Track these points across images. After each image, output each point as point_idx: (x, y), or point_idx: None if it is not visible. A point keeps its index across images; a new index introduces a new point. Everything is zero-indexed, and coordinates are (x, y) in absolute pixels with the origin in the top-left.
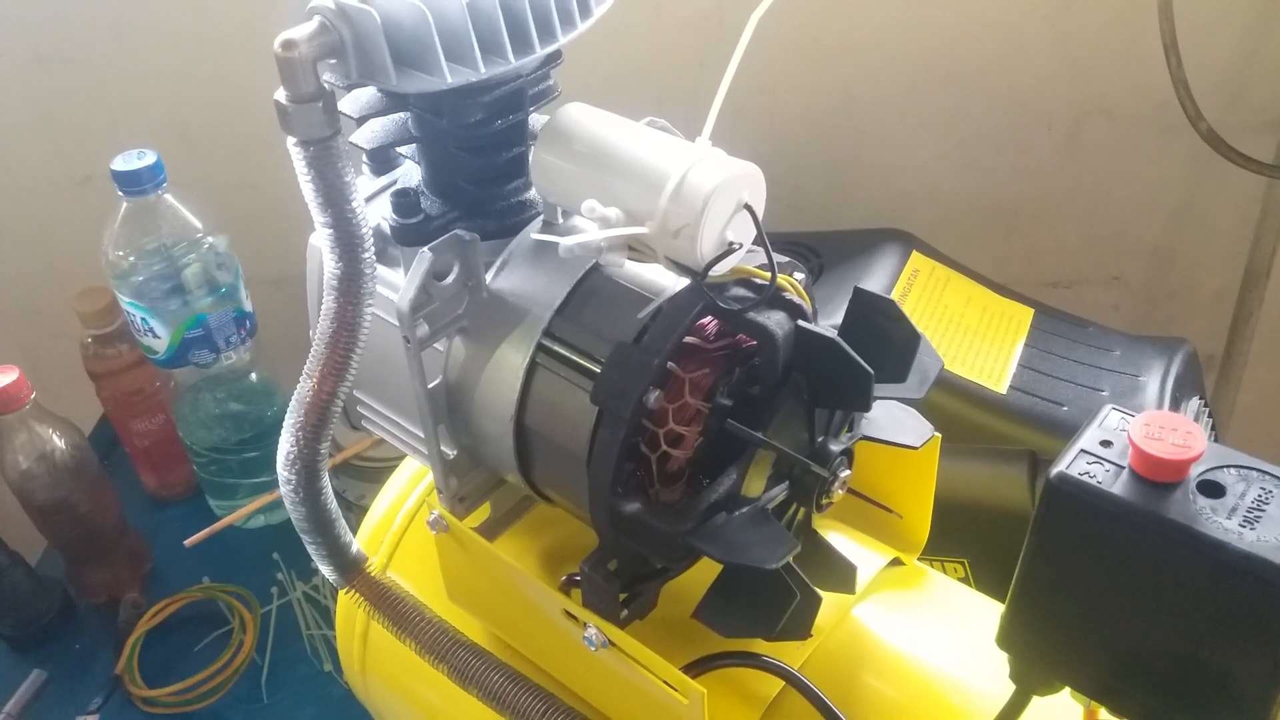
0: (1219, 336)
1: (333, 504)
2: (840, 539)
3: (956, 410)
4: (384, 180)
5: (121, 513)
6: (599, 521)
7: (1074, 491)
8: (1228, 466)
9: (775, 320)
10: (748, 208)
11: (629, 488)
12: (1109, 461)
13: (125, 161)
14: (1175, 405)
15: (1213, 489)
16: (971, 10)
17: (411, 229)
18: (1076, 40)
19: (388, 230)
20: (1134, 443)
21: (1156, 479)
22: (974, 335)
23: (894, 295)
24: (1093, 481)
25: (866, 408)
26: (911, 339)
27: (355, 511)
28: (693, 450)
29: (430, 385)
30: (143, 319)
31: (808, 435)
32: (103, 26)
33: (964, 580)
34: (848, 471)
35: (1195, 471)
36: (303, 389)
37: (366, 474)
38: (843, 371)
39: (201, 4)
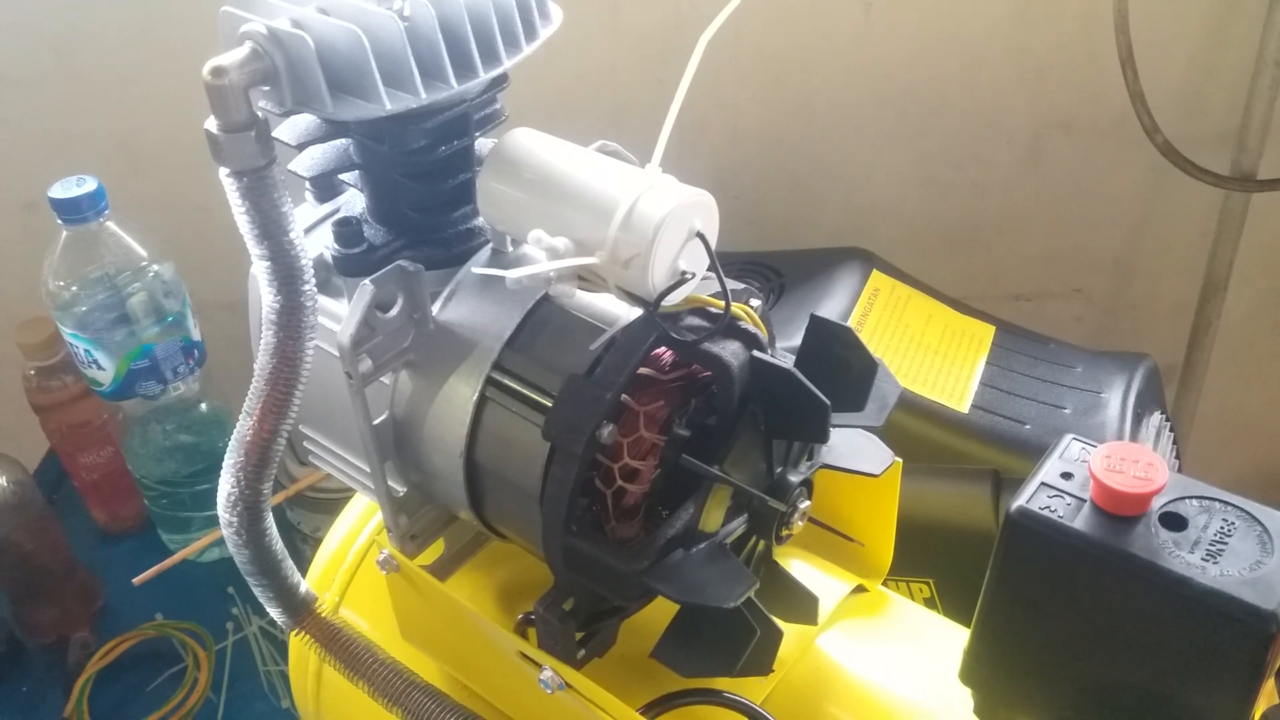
0: (1179, 347)
1: (278, 545)
2: (803, 567)
3: (919, 430)
4: (327, 208)
5: (69, 550)
6: (553, 560)
7: (1034, 526)
8: (1189, 498)
9: (730, 350)
10: (700, 236)
11: (584, 524)
12: (1070, 494)
13: (64, 189)
14: (1137, 421)
15: (1175, 521)
16: (931, 26)
17: (354, 259)
18: (1035, 55)
19: (330, 260)
20: (1094, 476)
21: (1118, 512)
22: (935, 354)
23: (855, 315)
24: (1053, 516)
25: (824, 439)
26: (868, 367)
27: (310, 544)
28: (649, 485)
29: (376, 421)
30: (86, 350)
31: (766, 466)
32: (45, 46)
33: (930, 601)
34: (807, 502)
35: (1157, 504)
36: (243, 427)
37: (322, 505)
38: (799, 402)
39: (147, 24)
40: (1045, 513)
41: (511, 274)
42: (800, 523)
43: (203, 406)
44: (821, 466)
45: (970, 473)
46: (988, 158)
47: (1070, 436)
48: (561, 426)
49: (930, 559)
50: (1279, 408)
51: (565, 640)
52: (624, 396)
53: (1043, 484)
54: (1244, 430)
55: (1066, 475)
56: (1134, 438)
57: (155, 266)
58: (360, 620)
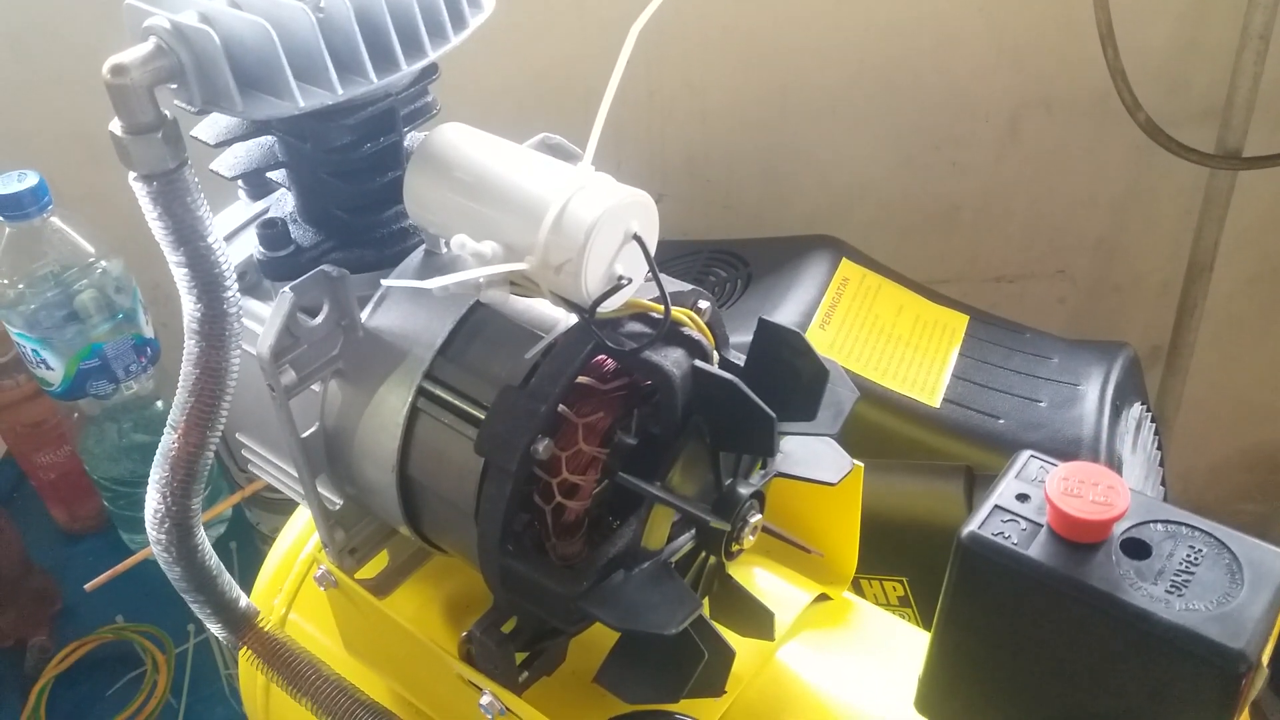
0: (1165, 329)
1: (211, 560)
2: (764, 575)
3: (889, 426)
4: (260, 205)
5: (24, 553)
6: (490, 580)
7: (987, 554)
8: (1154, 522)
9: (672, 359)
10: (637, 238)
11: (523, 542)
12: (1025, 519)
13: (4, 184)
14: (1116, 413)
15: (1138, 549)
16: (904, 1)
17: (280, 262)
18: (1013, 30)
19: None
20: (1051, 500)
21: (1076, 539)
22: (906, 346)
23: (823, 305)
24: (1007, 542)
25: (770, 453)
26: (819, 374)
27: (270, 545)
28: (590, 500)
29: (305, 434)
30: (34, 350)
31: (714, 478)
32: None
33: (904, 599)
34: (758, 516)
35: (1119, 529)
36: (167, 441)
37: (281, 506)
38: (743, 415)
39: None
40: (999, 539)
41: (433, 283)
42: (752, 536)
43: (159, 404)
44: (776, 475)
45: (942, 469)
46: (965, 137)
47: (1028, 454)
48: (494, 441)
49: (903, 557)
50: (1266, 389)
51: (504, 664)
52: (561, 407)
53: (997, 507)
54: (1231, 413)
55: (1023, 497)
56: (1113, 430)
57: (104, 263)
58: (311, 628)
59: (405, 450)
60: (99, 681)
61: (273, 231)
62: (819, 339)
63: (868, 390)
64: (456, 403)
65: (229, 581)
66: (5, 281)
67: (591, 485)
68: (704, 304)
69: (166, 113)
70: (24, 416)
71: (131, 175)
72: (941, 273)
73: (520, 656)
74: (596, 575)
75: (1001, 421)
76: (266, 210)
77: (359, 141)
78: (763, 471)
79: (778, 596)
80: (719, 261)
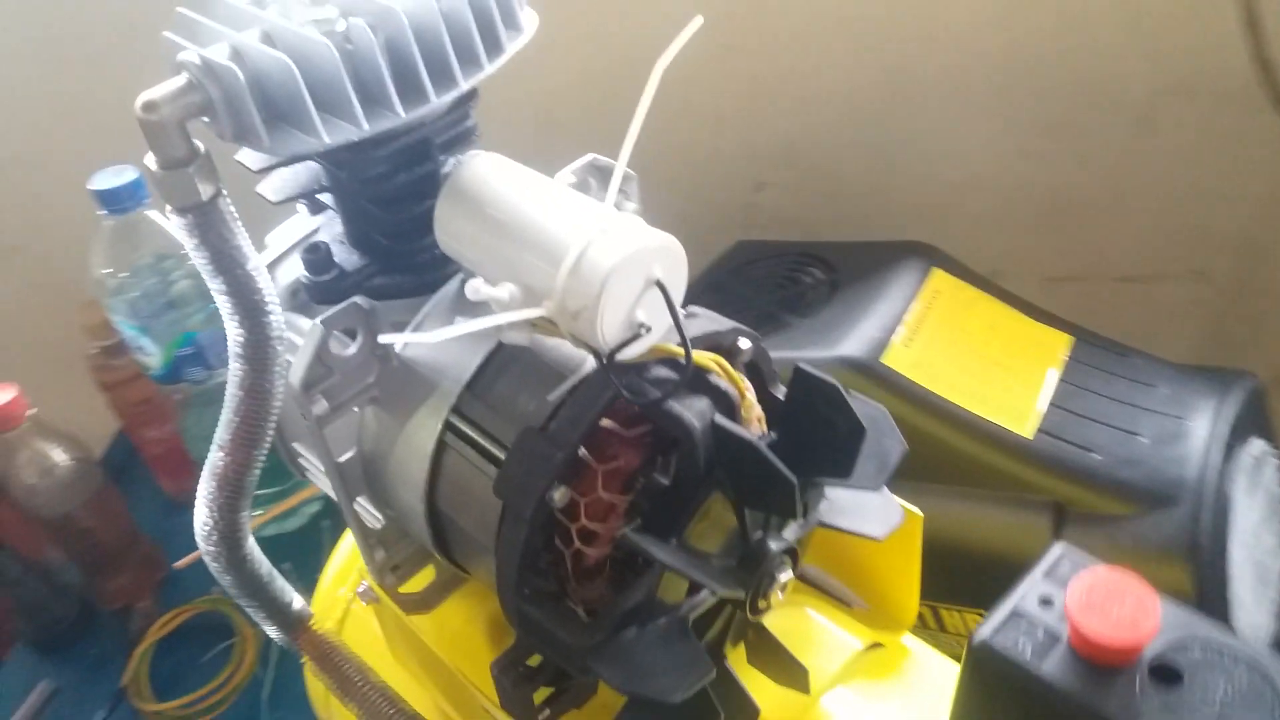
0: None
1: (262, 567)
2: (817, 616)
3: (975, 455)
4: (318, 220)
5: (132, 523)
6: (510, 620)
7: (998, 665)
8: (1192, 644)
9: (696, 410)
10: (659, 285)
11: (543, 584)
12: (1046, 628)
13: (104, 180)
14: (1229, 451)
15: (1168, 675)
16: None
17: (324, 286)
18: (1148, 11)
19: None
20: (1070, 614)
21: (1097, 661)
22: (999, 368)
23: (909, 319)
24: (1021, 655)
25: (792, 515)
26: (855, 431)
27: None
28: (609, 547)
29: (343, 458)
30: (135, 336)
31: (741, 530)
32: (121, 25)
33: None
34: (788, 574)
35: (1150, 650)
36: (214, 460)
37: None
38: (764, 476)
39: None
40: (1011, 650)
41: (445, 333)
42: (780, 594)
43: None
44: (819, 524)
45: (1031, 503)
46: (1091, 126)
47: (1061, 546)
48: (511, 485)
49: (985, 590)
50: None
51: (522, 705)
52: (582, 451)
53: (1015, 613)
54: None
55: (1046, 601)
56: (1224, 470)
57: None
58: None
59: (433, 482)
60: (195, 648)
61: (315, 256)
62: (901, 357)
63: (953, 416)
64: (480, 440)
65: (281, 587)
66: (108, 271)
67: (612, 532)
68: (745, 343)
69: (199, 145)
70: (133, 394)
71: (168, 209)
72: (1061, 269)
73: (547, 691)
74: (610, 628)
75: (1097, 456)
76: (318, 229)
77: (393, 171)
78: (801, 522)
79: (826, 643)
80: (806, 265)
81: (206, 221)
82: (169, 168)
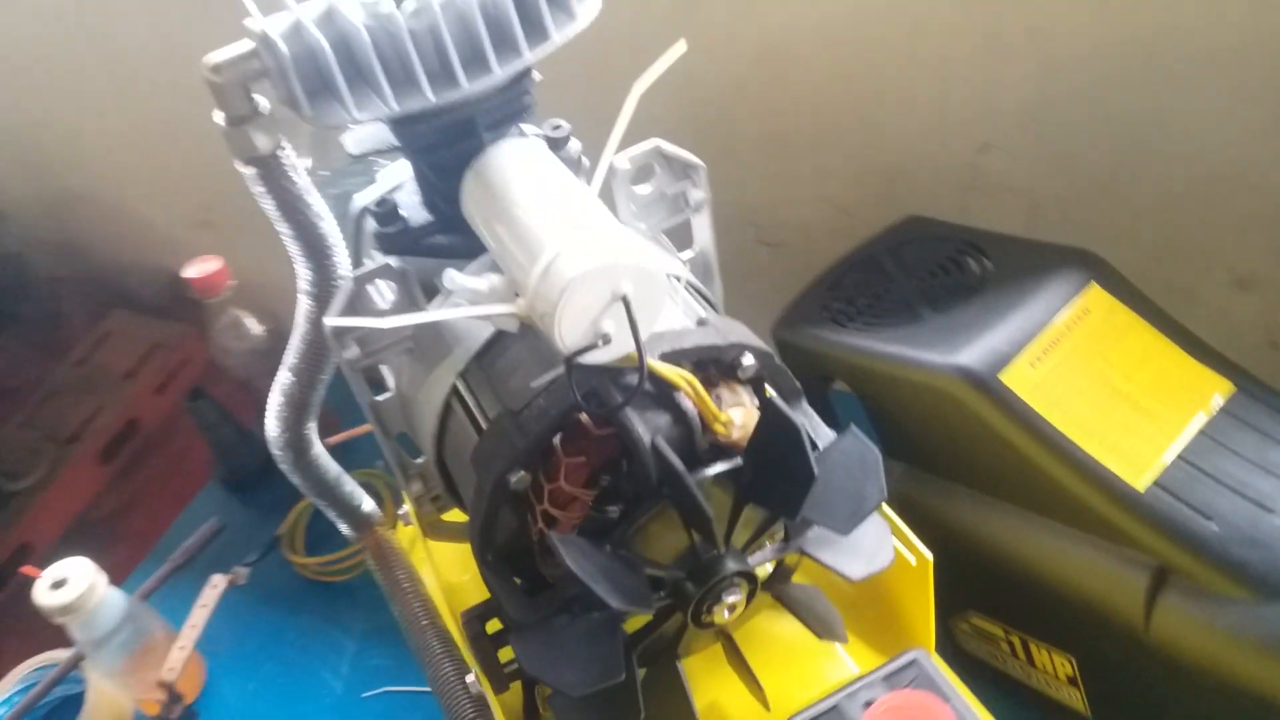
0: None
1: (330, 471)
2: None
3: (1076, 494)
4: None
5: None
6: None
7: None
8: None
9: (653, 424)
10: (624, 301)
11: (516, 549)
12: None
13: None
14: None
15: None
16: None
17: (390, 238)
18: None
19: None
20: None
21: None
22: (1131, 406)
23: (1044, 335)
24: None
25: (792, 515)
26: (805, 477)
27: None
28: (572, 530)
29: (382, 397)
30: None
31: (690, 545)
32: None
33: (1072, 679)
34: (737, 597)
35: None
36: (282, 379)
37: None
38: (688, 509)
39: None
40: None
41: (431, 315)
42: (729, 614)
43: None
44: (800, 552)
45: (1132, 559)
46: None
47: (915, 653)
48: (479, 460)
49: (1074, 635)
50: None
51: (487, 658)
52: (557, 440)
53: (835, 708)
54: None
55: (869, 704)
56: None
57: None
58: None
59: (440, 436)
60: None
61: (383, 210)
62: (1023, 376)
63: (1059, 449)
64: (473, 409)
65: (350, 491)
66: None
67: (574, 520)
68: (748, 360)
69: (263, 103)
70: None
71: (236, 161)
72: None
73: None
74: (546, 611)
75: (1214, 526)
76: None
77: (439, 145)
78: (777, 546)
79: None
80: (964, 255)
81: (270, 173)
82: (233, 124)
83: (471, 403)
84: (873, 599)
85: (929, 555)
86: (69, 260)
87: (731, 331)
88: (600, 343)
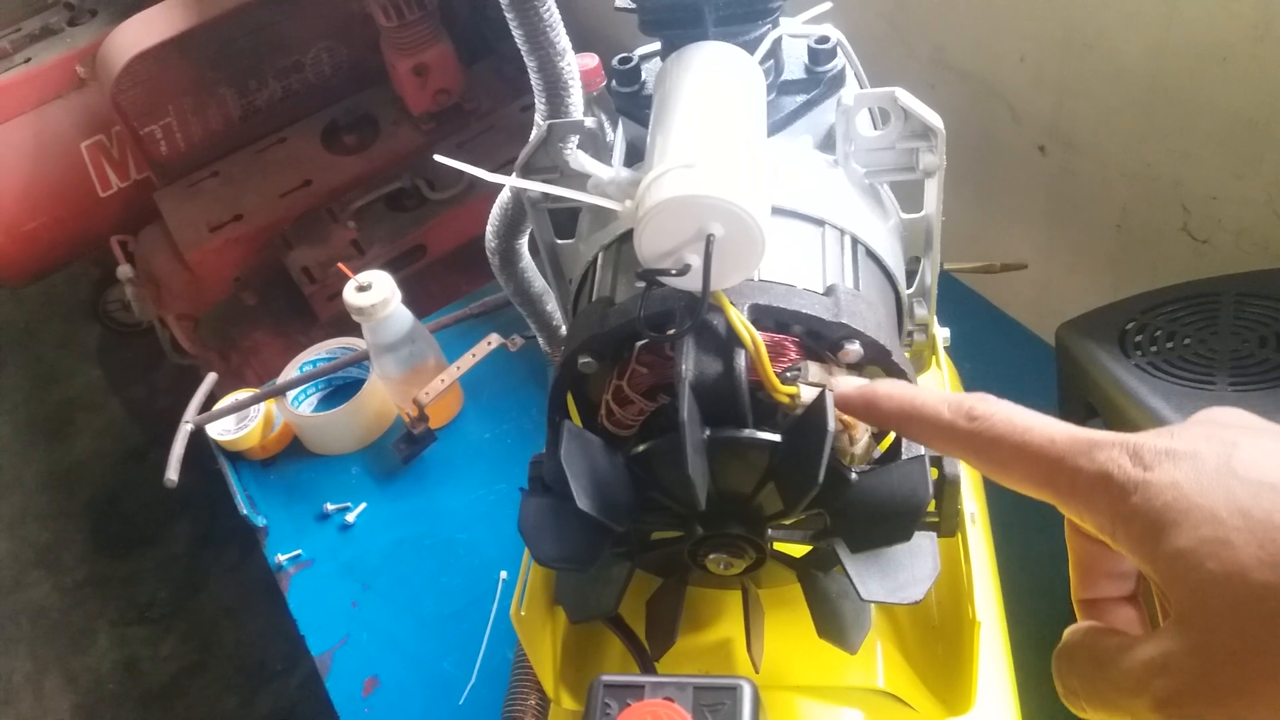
0: None
1: (535, 286)
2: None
3: None
4: None
5: None
6: None
7: None
8: None
9: (697, 363)
10: (708, 240)
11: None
12: None
13: None
14: None
15: None
16: None
17: (624, 97)
18: None
19: None
20: None
21: None
22: None
23: None
24: None
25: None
26: (808, 482)
27: None
28: (632, 428)
29: (563, 242)
30: None
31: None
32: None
33: None
34: (728, 555)
35: None
36: (503, 198)
37: None
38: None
39: None
40: None
41: (551, 188)
42: (724, 569)
43: None
44: (828, 546)
45: None
46: None
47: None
48: (571, 331)
49: None
50: None
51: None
52: (640, 344)
53: None
54: None
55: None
56: None
57: None
58: None
59: (577, 298)
60: None
61: (624, 69)
62: None
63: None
64: (598, 283)
65: (551, 309)
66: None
67: (631, 419)
68: (852, 347)
69: None
70: None
71: None
72: None
73: None
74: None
75: None
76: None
77: (667, 24)
78: (811, 531)
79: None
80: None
81: (523, 9)
82: None
83: (598, 277)
84: (941, 634)
85: (980, 618)
86: None
87: (855, 312)
88: (674, 271)
